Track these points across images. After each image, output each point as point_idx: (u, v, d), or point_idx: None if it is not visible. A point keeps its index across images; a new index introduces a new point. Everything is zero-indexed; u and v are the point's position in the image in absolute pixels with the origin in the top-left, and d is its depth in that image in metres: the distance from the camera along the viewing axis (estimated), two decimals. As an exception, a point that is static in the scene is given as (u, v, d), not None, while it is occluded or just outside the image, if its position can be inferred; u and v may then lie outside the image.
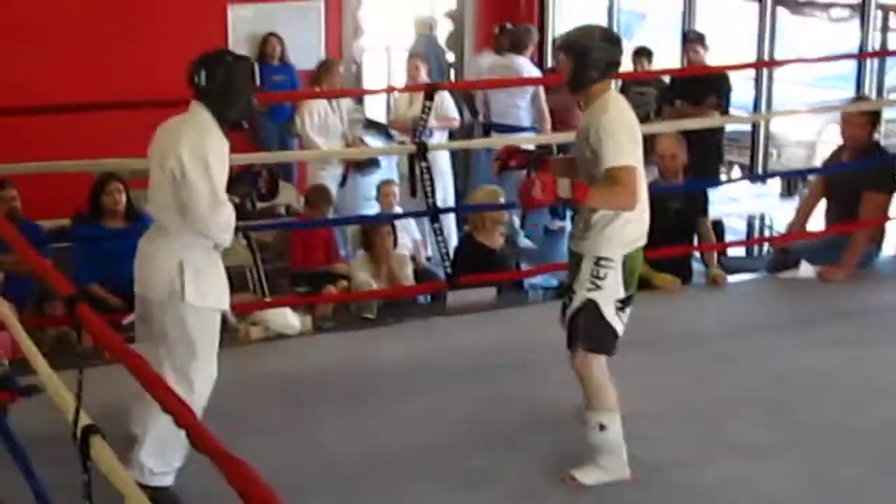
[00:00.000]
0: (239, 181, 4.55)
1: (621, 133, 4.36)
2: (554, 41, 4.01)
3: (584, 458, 4.57)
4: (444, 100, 9.65)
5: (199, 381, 4.32)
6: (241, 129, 4.48)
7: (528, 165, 4.73)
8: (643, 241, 4.60)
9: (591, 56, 4.43)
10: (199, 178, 4.19)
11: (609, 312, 4.44)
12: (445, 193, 9.37)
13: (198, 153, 4.20)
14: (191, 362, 4.30)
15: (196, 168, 4.19)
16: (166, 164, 4.24)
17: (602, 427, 4.49)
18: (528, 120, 9.99)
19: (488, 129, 10.23)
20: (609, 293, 4.44)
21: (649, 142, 9.65)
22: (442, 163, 9.46)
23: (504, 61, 10.26)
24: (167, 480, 4.38)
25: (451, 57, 13.41)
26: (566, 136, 7.05)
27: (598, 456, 4.54)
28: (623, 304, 4.49)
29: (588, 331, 4.45)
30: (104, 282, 6.91)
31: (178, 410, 2.66)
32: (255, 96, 4.46)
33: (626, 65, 11.02)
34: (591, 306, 4.43)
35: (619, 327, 4.51)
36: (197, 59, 4.35)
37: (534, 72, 10.36)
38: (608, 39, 4.55)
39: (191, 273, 4.27)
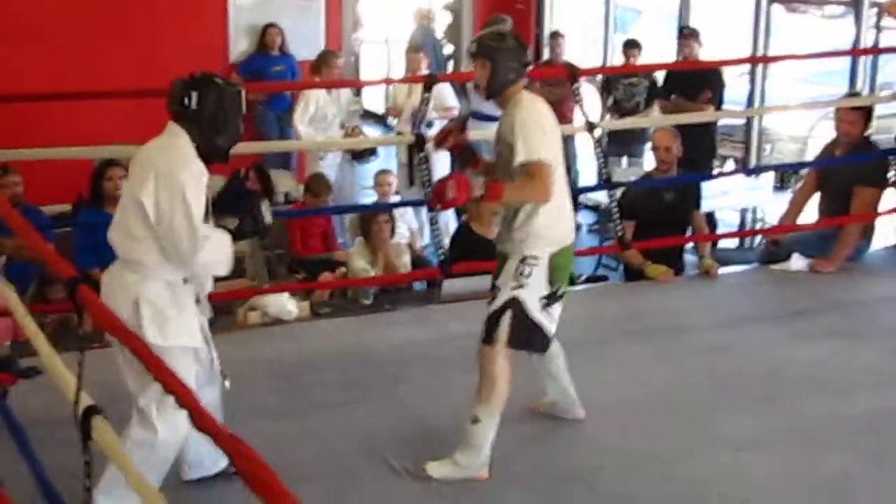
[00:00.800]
0: (227, 205, 4.22)
1: (535, 129, 4.40)
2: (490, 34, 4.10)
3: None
4: (443, 90, 9.70)
5: (170, 424, 3.95)
6: (223, 161, 4.17)
7: (462, 155, 4.81)
8: (570, 239, 4.60)
9: (506, 59, 4.50)
10: (180, 218, 3.90)
11: (534, 310, 4.45)
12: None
13: (174, 187, 3.90)
14: (164, 404, 3.91)
15: (173, 205, 3.89)
16: (137, 193, 3.94)
17: (475, 420, 4.49)
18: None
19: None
20: (533, 290, 4.45)
21: (643, 134, 9.80)
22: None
23: None
24: None
25: (449, 49, 13.45)
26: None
27: (459, 449, 4.54)
28: (549, 299, 4.48)
29: (515, 331, 4.45)
30: (104, 268, 6.93)
31: (178, 391, 2.71)
32: (242, 125, 4.22)
33: (617, 57, 11.10)
34: (516, 304, 4.44)
35: (548, 324, 4.50)
36: (185, 81, 4.08)
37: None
38: (518, 41, 4.63)
39: (147, 311, 3.98)
